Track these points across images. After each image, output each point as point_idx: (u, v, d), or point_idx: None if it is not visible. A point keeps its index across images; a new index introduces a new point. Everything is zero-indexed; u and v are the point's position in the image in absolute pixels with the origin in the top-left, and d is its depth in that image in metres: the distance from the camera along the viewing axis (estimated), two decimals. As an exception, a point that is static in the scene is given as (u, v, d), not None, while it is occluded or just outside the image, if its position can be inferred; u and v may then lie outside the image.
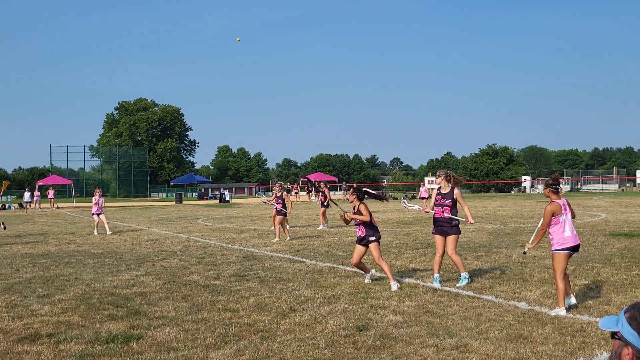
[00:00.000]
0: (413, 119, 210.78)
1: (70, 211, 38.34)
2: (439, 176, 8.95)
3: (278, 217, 16.00)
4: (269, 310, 7.08)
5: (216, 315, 6.86)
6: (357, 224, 8.70)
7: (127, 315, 6.92)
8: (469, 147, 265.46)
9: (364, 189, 9.22)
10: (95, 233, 18.45)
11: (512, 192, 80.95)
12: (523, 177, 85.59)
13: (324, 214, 19.78)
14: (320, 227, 19.42)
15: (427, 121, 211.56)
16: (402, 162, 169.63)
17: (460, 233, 8.83)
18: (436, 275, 8.67)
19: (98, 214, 19.06)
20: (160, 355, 5.36)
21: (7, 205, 45.72)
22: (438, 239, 8.74)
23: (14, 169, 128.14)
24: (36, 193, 45.00)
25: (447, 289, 8.21)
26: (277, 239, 15.34)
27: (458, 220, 8.70)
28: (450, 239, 8.62)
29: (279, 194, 16.52)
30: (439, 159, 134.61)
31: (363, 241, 8.61)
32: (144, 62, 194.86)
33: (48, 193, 46.10)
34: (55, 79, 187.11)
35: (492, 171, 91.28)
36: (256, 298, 7.82)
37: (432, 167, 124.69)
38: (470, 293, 7.89)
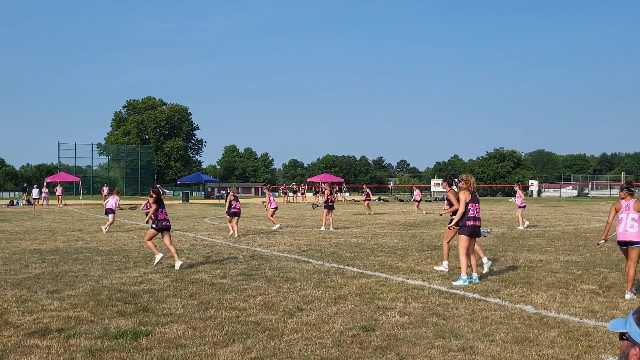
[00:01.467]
0: (420, 121, 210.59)
1: (78, 208, 38.52)
2: (461, 180, 9.33)
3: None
4: (276, 310, 7.13)
5: (224, 314, 6.91)
6: None
7: (135, 312, 6.98)
8: (476, 150, 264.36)
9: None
10: (104, 231, 18.55)
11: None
12: (530, 181, 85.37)
13: (326, 215, 19.83)
14: (322, 228, 19.42)
15: (434, 124, 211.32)
16: (408, 165, 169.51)
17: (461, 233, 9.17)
18: (474, 275, 9.03)
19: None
20: (168, 352, 5.42)
21: (15, 202, 45.97)
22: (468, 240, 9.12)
23: (22, 166, 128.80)
24: (44, 190, 45.26)
25: (454, 291, 8.24)
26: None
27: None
28: (474, 240, 9.37)
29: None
30: (446, 161, 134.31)
31: None
32: (152, 61, 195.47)
33: (56, 190, 46.32)
34: (64, 76, 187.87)
35: (499, 175, 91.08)
36: (263, 297, 7.87)
37: (439, 170, 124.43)
38: (476, 296, 7.91)
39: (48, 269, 10.42)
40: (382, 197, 62.43)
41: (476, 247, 10.15)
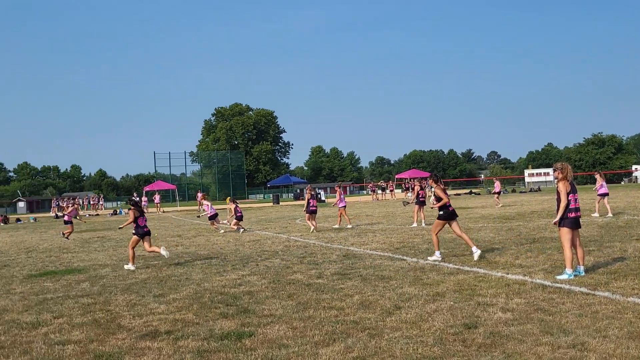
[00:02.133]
0: (510, 109, 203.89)
1: (175, 215, 40.17)
2: (556, 169, 8.71)
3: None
4: (373, 308, 7.10)
5: (322, 313, 6.96)
6: None
7: (237, 314, 7.18)
8: (572, 137, 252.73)
9: None
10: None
11: (622, 183, 76.39)
12: (634, 167, 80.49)
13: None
14: (414, 225, 19.22)
15: (525, 111, 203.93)
16: (499, 156, 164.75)
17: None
18: (579, 267, 8.64)
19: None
20: (272, 352, 5.52)
21: (117, 211, 48.59)
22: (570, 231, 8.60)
23: (122, 176, 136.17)
24: (144, 198, 47.59)
25: (559, 285, 7.88)
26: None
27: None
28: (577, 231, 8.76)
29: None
30: (539, 150, 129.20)
31: None
32: (237, 68, 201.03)
33: (154, 198, 48.58)
34: (155, 89, 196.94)
35: (598, 161, 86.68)
36: (360, 296, 7.87)
37: (532, 160, 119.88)
38: (583, 289, 7.53)
39: (153, 274, 10.92)
40: (473, 190, 60.89)
41: (465, 236, 10.91)
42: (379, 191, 53.70)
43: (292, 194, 75.51)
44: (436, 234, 11.12)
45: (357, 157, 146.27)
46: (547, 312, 6.49)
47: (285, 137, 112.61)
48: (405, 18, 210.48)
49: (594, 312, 6.38)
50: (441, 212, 10.95)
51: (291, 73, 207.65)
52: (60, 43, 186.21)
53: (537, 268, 9.37)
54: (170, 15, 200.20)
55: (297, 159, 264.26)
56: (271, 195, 67.01)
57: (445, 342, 5.56)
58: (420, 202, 19.59)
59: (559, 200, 8.60)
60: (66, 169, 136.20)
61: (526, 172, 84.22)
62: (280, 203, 54.86)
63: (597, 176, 20.66)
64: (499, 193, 30.83)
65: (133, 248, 12.11)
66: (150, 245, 12.28)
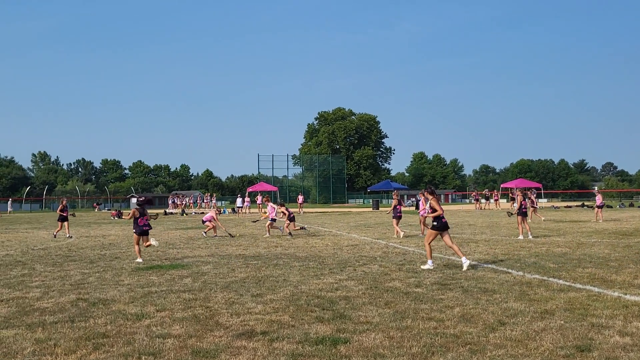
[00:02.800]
0: (628, 117, 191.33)
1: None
2: None
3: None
4: (475, 322, 6.74)
5: (420, 324, 6.70)
6: None
7: (333, 319, 7.06)
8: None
9: None
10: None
11: None
12: None
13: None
14: (520, 237, 18.31)
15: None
16: (615, 167, 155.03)
17: None
18: None
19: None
20: (367, 361, 5.34)
21: (221, 210, 50.28)
22: None
23: (227, 177, 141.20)
24: (247, 199, 48.92)
25: (685, 310, 7.14)
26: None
27: None
28: None
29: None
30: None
31: None
32: (341, 72, 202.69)
33: (257, 199, 49.79)
34: (261, 92, 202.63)
35: None
36: (461, 308, 7.52)
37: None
38: None
39: (252, 274, 11.06)
40: (585, 203, 57.60)
41: (455, 247, 10.99)
42: (483, 200, 52.01)
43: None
44: (429, 243, 11.51)
45: (460, 164, 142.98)
46: (672, 339, 5.87)
47: (387, 142, 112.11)
48: (506, 20, 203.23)
49: None
50: (435, 223, 11.26)
51: (395, 78, 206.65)
52: (172, 44, 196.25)
53: (660, 290, 8.57)
54: (278, 20, 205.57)
55: (398, 164, 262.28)
56: (371, 200, 66.77)
57: (554, 365, 5.14)
58: (523, 213, 18.62)
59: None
60: (176, 168, 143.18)
61: (645, 185, 78.52)
62: (380, 208, 54.50)
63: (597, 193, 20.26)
64: (600, 207, 28.62)
65: (138, 244, 13.67)
66: (147, 240, 13.61)
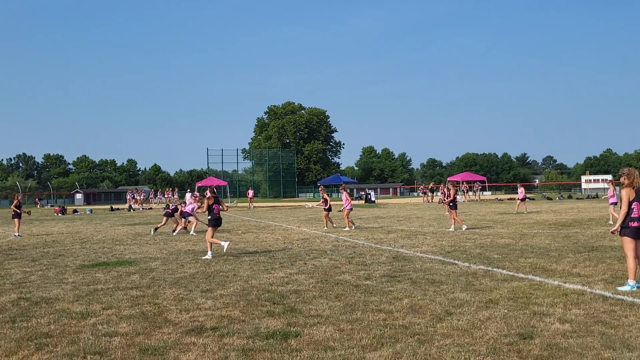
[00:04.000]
0: (567, 113, 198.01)
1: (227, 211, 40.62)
2: (622, 175, 8.23)
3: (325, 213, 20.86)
4: (423, 313, 6.88)
5: (370, 316, 6.79)
6: None
7: (284, 313, 7.07)
8: (634, 142, 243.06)
9: None
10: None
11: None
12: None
13: (326, 217, 20.82)
14: (451, 229, 18.91)
15: (583, 115, 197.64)
16: (555, 161, 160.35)
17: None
18: (632, 281, 8.01)
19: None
20: (318, 354, 5.38)
21: (170, 205, 49.52)
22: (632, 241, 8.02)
23: (176, 172, 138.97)
24: (195, 194, 48.31)
25: (620, 297, 7.47)
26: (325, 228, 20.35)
27: None
28: None
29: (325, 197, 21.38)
30: (598, 156, 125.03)
31: None
32: (291, 68, 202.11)
33: (206, 194, 49.27)
34: (211, 86, 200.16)
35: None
36: (409, 300, 7.65)
37: (590, 166, 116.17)
38: (648, 303, 7.10)
39: (201, 269, 10.96)
40: (528, 195, 59.41)
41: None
42: (430, 193, 52.93)
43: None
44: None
45: (408, 158, 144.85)
46: (608, 325, 6.14)
47: (336, 136, 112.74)
48: (454, 18, 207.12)
49: (660, 327, 5.99)
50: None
51: (344, 73, 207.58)
52: (119, 39, 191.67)
53: (597, 278, 8.94)
54: (227, 15, 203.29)
55: (348, 158, 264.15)
56: (320, 195, 67.09)
57: (499, 352, 5.30)
58: (454, 206, 19.08)
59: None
60: (122, 163, 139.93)
61: (583, 178, 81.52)
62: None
63: (610, 185, 21.61)
64: (522, 200, 29.82)
65: (212, 237, 13.10)
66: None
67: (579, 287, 8.19)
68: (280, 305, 7.52)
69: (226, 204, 20.33)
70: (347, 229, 19.82)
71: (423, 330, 6.10)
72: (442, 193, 51.71)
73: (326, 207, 21.03)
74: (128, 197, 55.24)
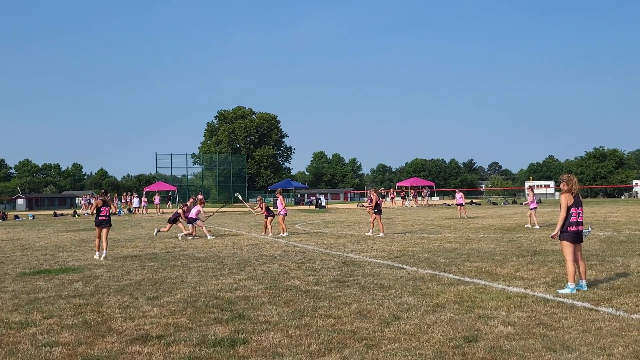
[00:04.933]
0: (512, 121, 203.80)
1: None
2: (561, 181, 8.54)
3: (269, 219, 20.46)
4: (371, 318, 6.93)
5: (319, 322, 6.79)
6: None
7: (232, 319, 7.00)
8: (574, 150, 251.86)
9: None
10: (179, 237, 19.05)
11: (622, 198, 76.19)
12: (634, 182, 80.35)
13: (270, 223, 20.47)
14: (369, 232, 19.53)
15: (526, 123, 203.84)
16: (500, 167, 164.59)
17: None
18: (582, 282, 8.39)
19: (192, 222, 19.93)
20: (265, 361, 5.35)
21: (117, 211, 48.43)
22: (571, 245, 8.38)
23: (123, 176, 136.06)
24: (143, 199, 47.41)
25: (561, 300, 7.71)
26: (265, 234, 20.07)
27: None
28: (580, 245, 8.54)
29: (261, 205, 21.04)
30: (541, 162, 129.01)
31: None
32: (241, 71, 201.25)
33: (154, 199, 48.41)
34: (159, 89, 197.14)
35: (599, 175, 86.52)
36: (358, 305, 7.70)
37: (533, 172, 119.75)
38: (586, 305, 7.36)
39: (148, 276, 10.75)
40: (474, 200, 60.72)
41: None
42: (380, 198, 53.59)
43: (293, 199, 75.31)
44: None
45: (358, 163, 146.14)
46: (549, 327, 6.32)
47: (287, 141, 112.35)
48: (407, 24, 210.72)
49: (597, 328, 6.21)
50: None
51: (295, 78, 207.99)
52: (64, 42, 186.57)
53: (539, 281, 9.20)
54: (175, 17, 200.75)
55: (298, 164, 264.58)
56: (271, 200, 66.83)
57: (444, 356, 5.38)
58: (379, 212, 19.37)
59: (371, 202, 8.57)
60: (67, 167, 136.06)
61: (527, 183, 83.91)
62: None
63: (529, 191, 23.78)
64: (460, 205, 30.76)
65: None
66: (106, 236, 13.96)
67: (522, 291, 8.41)
68: (228, 312, 7.44)
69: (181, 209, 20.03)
70: (283, 234, 19.72)
71: (371, 335, 6.14)
72: (368, 199, 52.60)
73: (268, 214, 20.59)
74: (83, 202, 53.98)
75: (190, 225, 20.13)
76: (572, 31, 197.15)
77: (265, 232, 20.28)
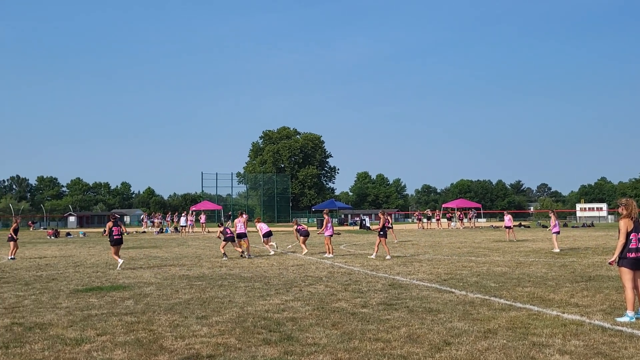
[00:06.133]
0: (562, 141, 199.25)
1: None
2: (620, 205, 8.28)
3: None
4: (421, 343, 6.81)
5: (368, 345, 6.72)
6: None
7: (280, 340, 6.99)
8: (628, 171, 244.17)
9: None
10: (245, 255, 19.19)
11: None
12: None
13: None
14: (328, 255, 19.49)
15: (578, 144, 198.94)
16: (550, 188, 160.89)
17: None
18: (631, 312, 7.99)
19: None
20: (315, 384, 5.31)
21: (164, 229, 49.27)
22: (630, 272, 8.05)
23: (170, 195, 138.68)
24: (190, 218, 48.13)
25: (619, 328, 7.43)
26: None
27: None
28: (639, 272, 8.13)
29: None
30: (592, 184, 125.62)
31: None
32: (285, 92, 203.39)
33: (200, 218, 49.06)
34: (205, 110, 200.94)
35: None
36: (407, 329, 7.58)
37: (585, 194, 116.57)
38: (647, 334, 7.06)
39: (196, 295, 10.86)
40: (522, 223, 59.43)
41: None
42: (425, 220, 52.94)
43: (337, 219, 75.27)
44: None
45: (403, 184, 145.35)
46: (608, 356, 6.09)
47: (331, 161, 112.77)
48: (450, 44, 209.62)
49: (660, 359, 5.94)
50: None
51: (340, 99, 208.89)
52: (111, 65, 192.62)
53: (595, 308, 8.89)
54: (222, 39, 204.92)
55: (342, 184, 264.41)
56: (315, 220, 66.93)
57: (499, 384, 5.24)
58: (384, 234, 19.04)
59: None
60: (117, 186, 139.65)
61: (578, 206, 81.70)
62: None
63: (552, 215, 23.39)
64: (509, 227, 30.04)
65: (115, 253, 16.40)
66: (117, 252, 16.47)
67: (578, 318, 8.15)
68: (276, 332, 7.44)
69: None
70: (329, 255, 19.60)
71: (422, 361, 6.03)
72: (418, 219, 51.94)
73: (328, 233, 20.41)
74: (144, 219, 56.74)
75: (237, 240, 20.17)
76: (623, 54, 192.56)
77: (329, 252, 19.87)
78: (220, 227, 21.12)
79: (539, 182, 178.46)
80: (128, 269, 16.19)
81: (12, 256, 20.54)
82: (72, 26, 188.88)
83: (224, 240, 19.89)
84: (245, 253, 19.67)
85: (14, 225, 21.71)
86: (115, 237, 16.36)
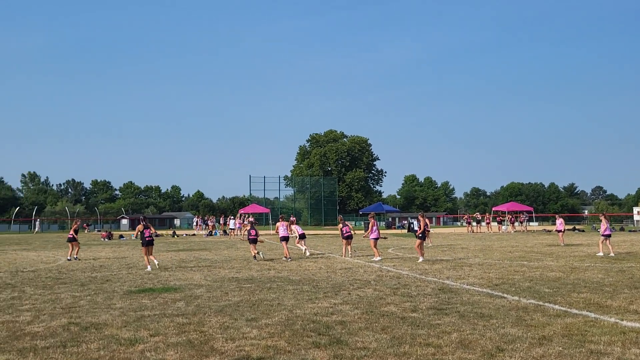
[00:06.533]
0: (617, 142, 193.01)
1: (268, 238, 40.73)
2: None
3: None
4: (474, 348, 6.68)
5: (418, 350, 6.63)
6: None
7: (329, 344, 6.97)
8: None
9: None
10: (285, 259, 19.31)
11: None
12: None
13: (374, 245, 19.91)
14: (377, 258, 19.30)
15: (634, 145, 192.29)
16: (605, 191, 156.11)
17: None
18: None
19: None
20: (366, 389, 5.26)
21: (213, 232, 49.97)
22: None
23: (219, 198, 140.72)
24: (238, 220, 48.68)
25: (683, 337, 7.11)
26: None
27: None
28: None
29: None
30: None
31: None
32: (332, 94, 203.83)
33: (249, 220, 49.53)
34: (253, 114, 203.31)
35: None
36: (458, 334, 7.45)
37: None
38: None
39: (246, 297, 10.96)
40: (577, 227, 57.74)
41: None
42: (474, 223, 52.04)
43: (384, 223, 74.85)
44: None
45: (451, 187, 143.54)
46: (672, 366, 5.83)
47: (378, 164, 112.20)
48: (496, 45, 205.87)
49: None
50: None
51: (387, 101, 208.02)
52: (164, 71, 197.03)
53: (656, 315, 8.54)
54: (269, 43, 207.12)
55: (390, 187, 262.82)
56: (362, 223, 66.75)
57: (555, 393, 5.08)
58: (423, 237, 18.76)
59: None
60: (167, 189, 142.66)
61: (635, 209, 78.88)
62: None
63: (602, 218, 22.06)
64: (560, 231, 28.92)
65: (145, 254, 17.00)
66: (152, 253, 17.18)
67: (638, 325, 7.85)
68: (326, 336, 7.42)
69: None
70: (376, 258, 19.46)
71: (474, 367, 5.91)
72: (467, 222, 51.03)
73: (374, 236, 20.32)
74: (199, 222, 58.17)
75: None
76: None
77: (377, 255, 19.80)
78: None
79: (594, 185, 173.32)
80: (178, 271, 16.48)
81: (74, 257, 21.24)
82: (116, 24, 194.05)
83: (250, 243, 20.34)
84: (285, 257, 19.84)
85: (74, 226, 22.38)
86: (147, 238, 17.10)
